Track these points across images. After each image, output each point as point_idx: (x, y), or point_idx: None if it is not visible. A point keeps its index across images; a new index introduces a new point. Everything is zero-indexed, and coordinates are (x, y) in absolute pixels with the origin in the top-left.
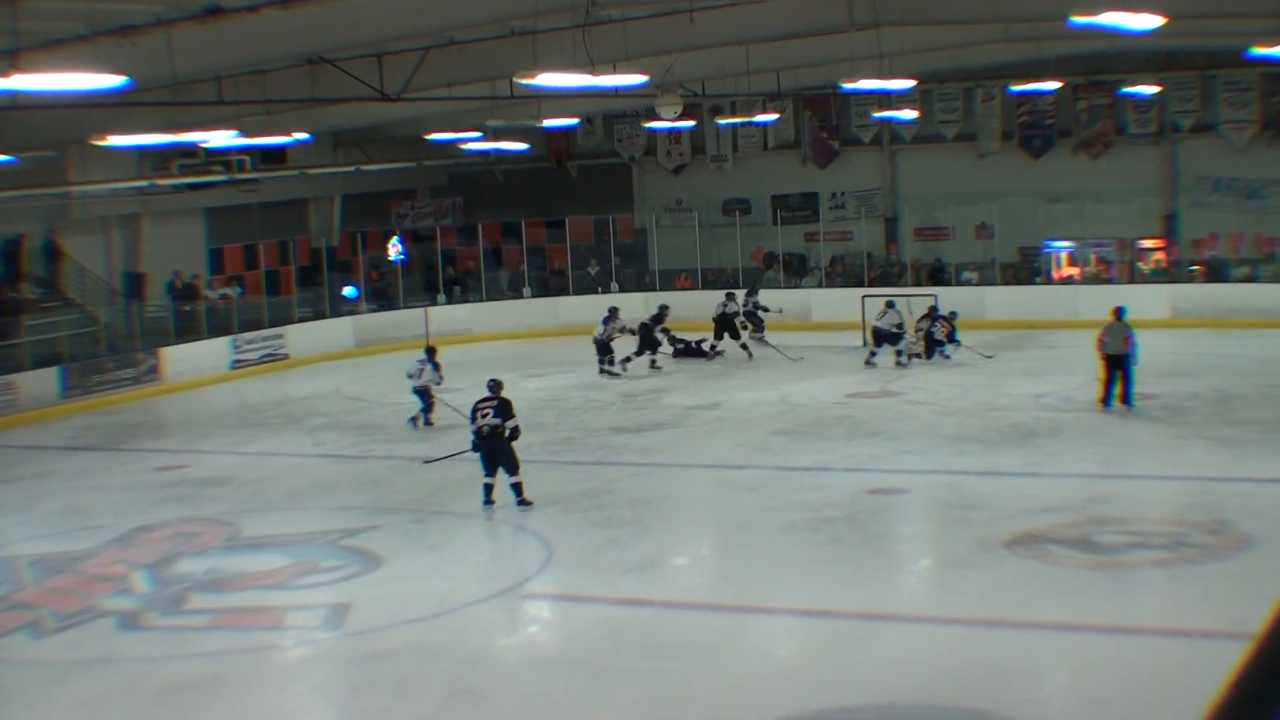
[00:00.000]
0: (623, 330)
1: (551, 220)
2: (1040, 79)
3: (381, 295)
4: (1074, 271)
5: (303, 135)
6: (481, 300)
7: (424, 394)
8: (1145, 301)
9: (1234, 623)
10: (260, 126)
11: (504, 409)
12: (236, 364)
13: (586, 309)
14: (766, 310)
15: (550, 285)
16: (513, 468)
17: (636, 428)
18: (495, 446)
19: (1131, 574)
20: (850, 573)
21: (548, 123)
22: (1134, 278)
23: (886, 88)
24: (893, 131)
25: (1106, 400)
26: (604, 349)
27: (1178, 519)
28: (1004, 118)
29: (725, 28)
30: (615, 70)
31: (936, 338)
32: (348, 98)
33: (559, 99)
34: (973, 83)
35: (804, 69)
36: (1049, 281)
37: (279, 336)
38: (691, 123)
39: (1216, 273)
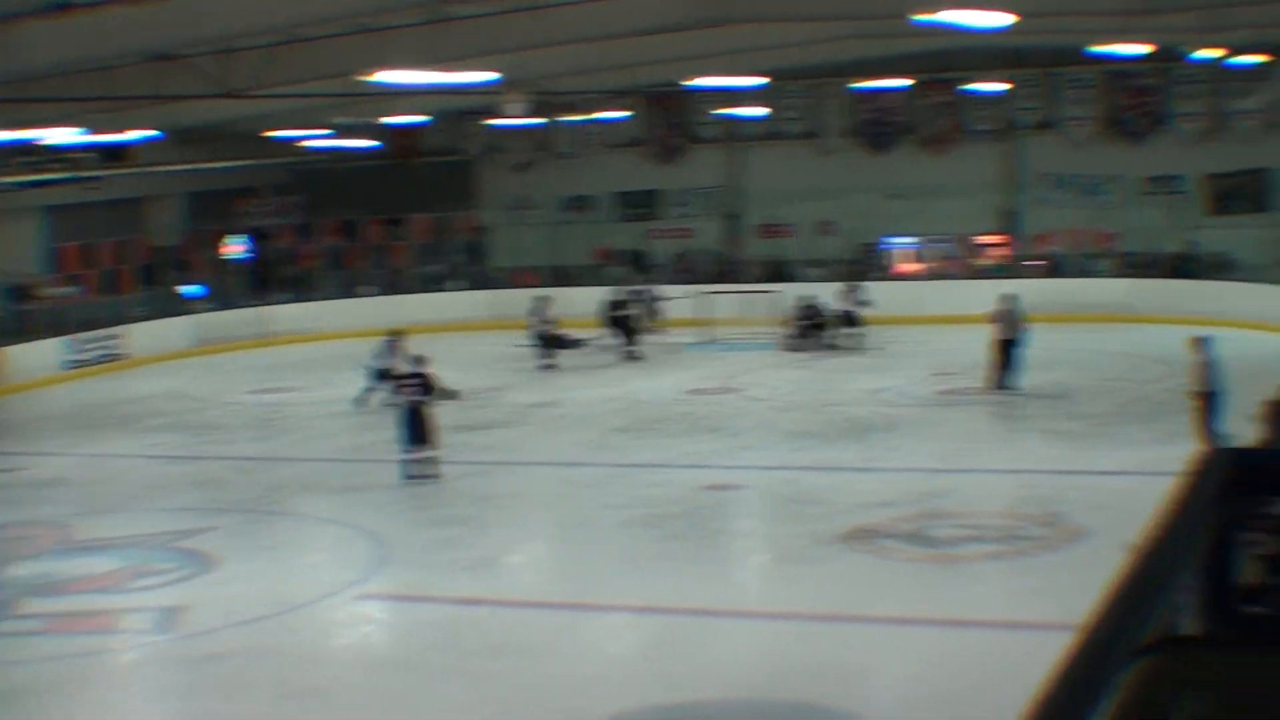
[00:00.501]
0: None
1: (393, 218)
2: (886, 76)
3: (223, 294)
4: (915, 267)
5: (147, 132)
6: (324, 299)
7: (382, 376)
8: (986, 297)
9: (1068, 614)
10: (104, 123)
11: (427, 385)
12: (74, 364)
13: (426, 306)
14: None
15: (391, 283)
16: (434, 441)
17: (477, 425)
18: (419, 420)
19: (966, 567)
20: (688, 569)
21: (394, 120)
22: (974, 273)
23: (733, 85)
24: (737, 129)
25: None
26: (550, 341)
27: (1013, 512)
28: (849, 115)
29: (573, 25)
30: (463, 67)
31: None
32: (192, 95)
33: (405, 96)
34: (818, 80)
35: (652, 66)
36: (888, 278)
37: (117, 336)
38: (538, 119)
39: (1057, 268)
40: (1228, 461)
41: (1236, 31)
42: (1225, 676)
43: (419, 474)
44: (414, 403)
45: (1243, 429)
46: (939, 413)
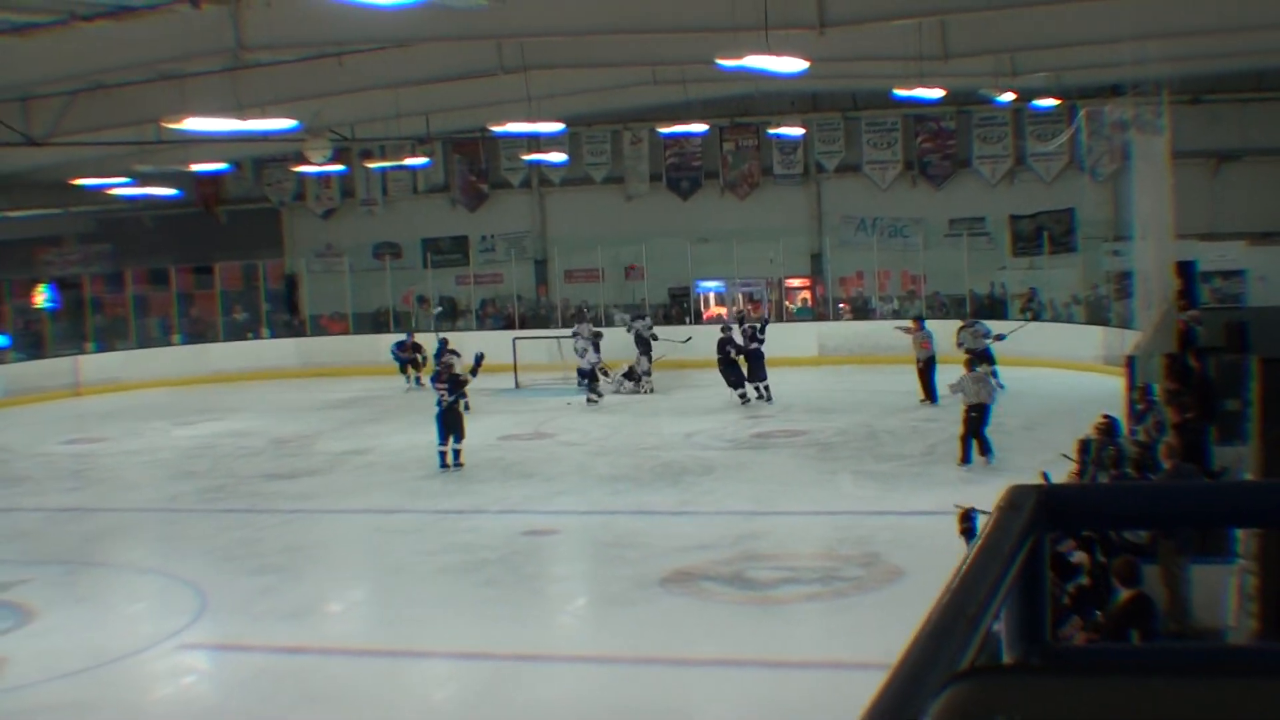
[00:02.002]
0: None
1: (200, 266)
2: (687, 121)
3: (30, 344)
4: (722, 311)
5: None
6: (132, 348)
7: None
8: (794, 340)
9: (886, 653)
10: None
11: (455, 385)
12: None
13: (236, 355)
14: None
15: (200, 332)
16: (460, 435)
17: (288, 474)
18: (450, 418)
19: (785, 608)
20: (506, 613)
21: (197, 168)
22: (783, 315)
23: (535, 131)
24: (542, 174)
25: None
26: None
27: (829, 553)
28: (652, 160)
29: (374, 71)
30: (265, 114)
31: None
32: None
33: (208, 143)
34: (621, 125)
35: (453, 112)
36: (699, 321)
37: None
38: (342, 166)
39: (862, 310)
40: (1037, 498)
41: (1031, 76)
42: (1035, 702)
43: (451, 464)
44: (447, 402)
45: (1056, 466)
46: (752, 455)
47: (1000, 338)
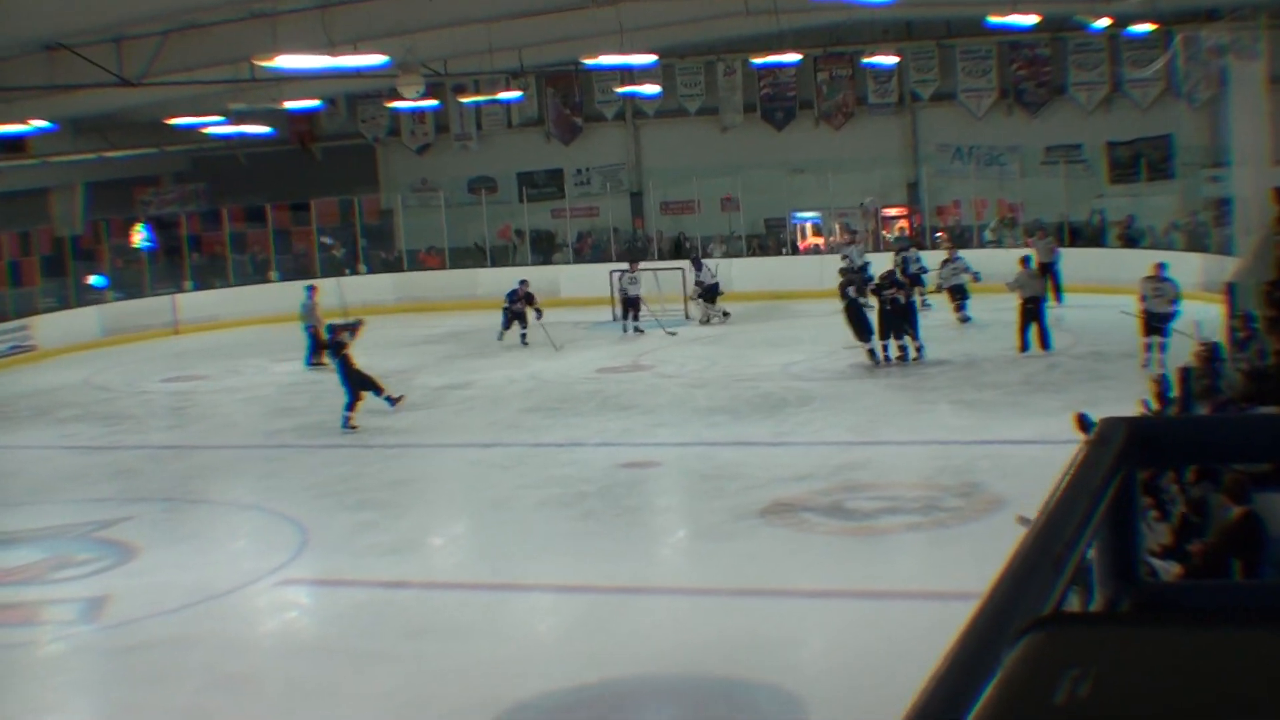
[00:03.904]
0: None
1: (296, 203)
2: (780, 51)
3: (129, 284)
4: (819, 241)
5: (43, 123)
6: (229, 286)
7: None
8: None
9: (987, 584)
10: None
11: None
12: None
13: (332, 291)
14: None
15: (298, 269)
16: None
17: (387, 409)
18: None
19: (885, 539)
20: (607, 546)
21: (290, 105)
22: (879, 245)
23: (628, 63)
24: (636, 107)
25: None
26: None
27: (929, 483)
28: (746, 90)
29: (465, 6)
30: (356, 50)
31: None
32: (87, 84)
33: (301, 81)
34: (714, 56)
35: (546, 46)
36: (795, 252)
37: (24, 328)
38: (435, 102)
39: (960, 239)
40: (1127, 431)
41: (1127, 0)
42: (1113, 651)
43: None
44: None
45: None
46: (849, 385)
47: (976, 277)
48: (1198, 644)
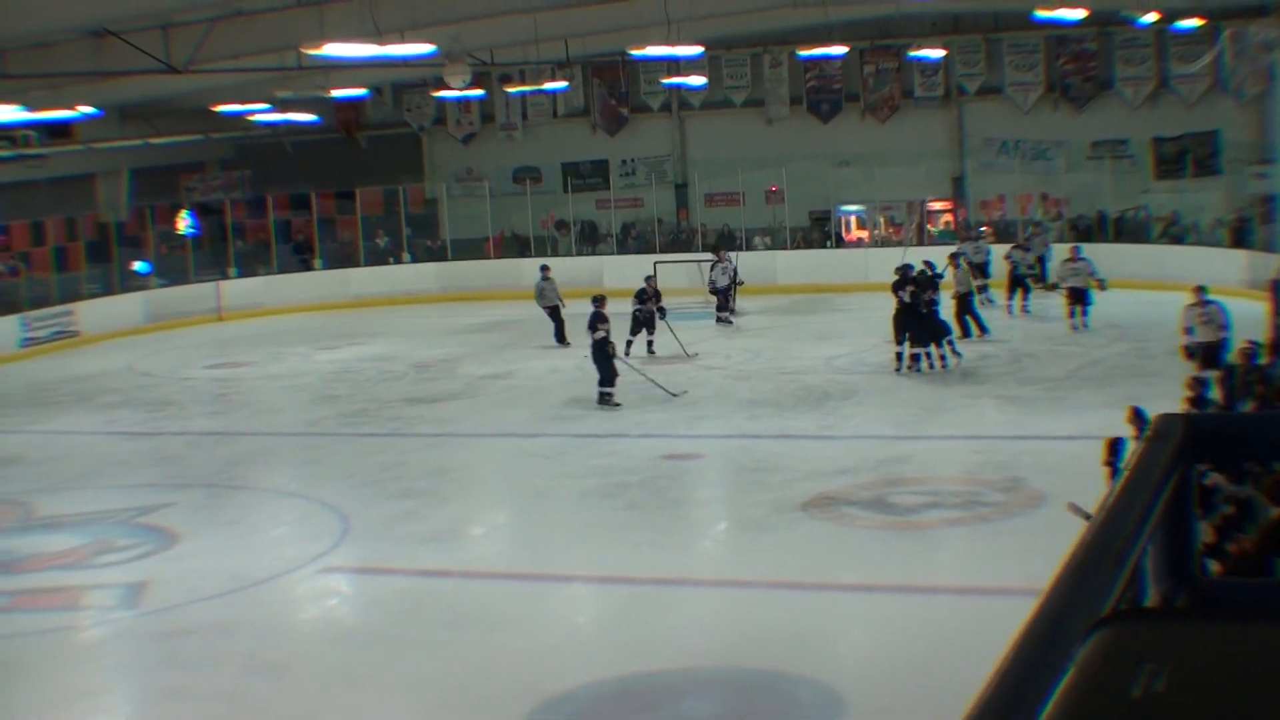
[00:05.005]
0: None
1: (341, 191)
2: (827, 44)
3: (173, 269)
4: (864, 234)
5: (89, 109)
6: (273, 273)
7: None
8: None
9: (1029, 579)
10: (45, 100)
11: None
12: (27, 342)
13: (377, 280)
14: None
15: (342, 256)
16: None
17: (430, 398)
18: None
19: (927, 534)
20: (647, 538)
21: (336, 93)
22: (923, 239)
23: (675, 54)
24: (682, 98)
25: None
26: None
27: (971, 478)
28: (792, 83)
29: None
30: (403, 39)
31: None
32: (133, 70)
33: (347, 69)
34: (760, 48)
35: (592, 36)
36: (840, 245)
37: (69, 313)
38: (481, 91)
39: (1005, 233)
40: (1185, 427)
41: None
42: (1182, 647)
43: None
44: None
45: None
46: (893, 379)
47: (1102, 284)
48: (1260, 640)
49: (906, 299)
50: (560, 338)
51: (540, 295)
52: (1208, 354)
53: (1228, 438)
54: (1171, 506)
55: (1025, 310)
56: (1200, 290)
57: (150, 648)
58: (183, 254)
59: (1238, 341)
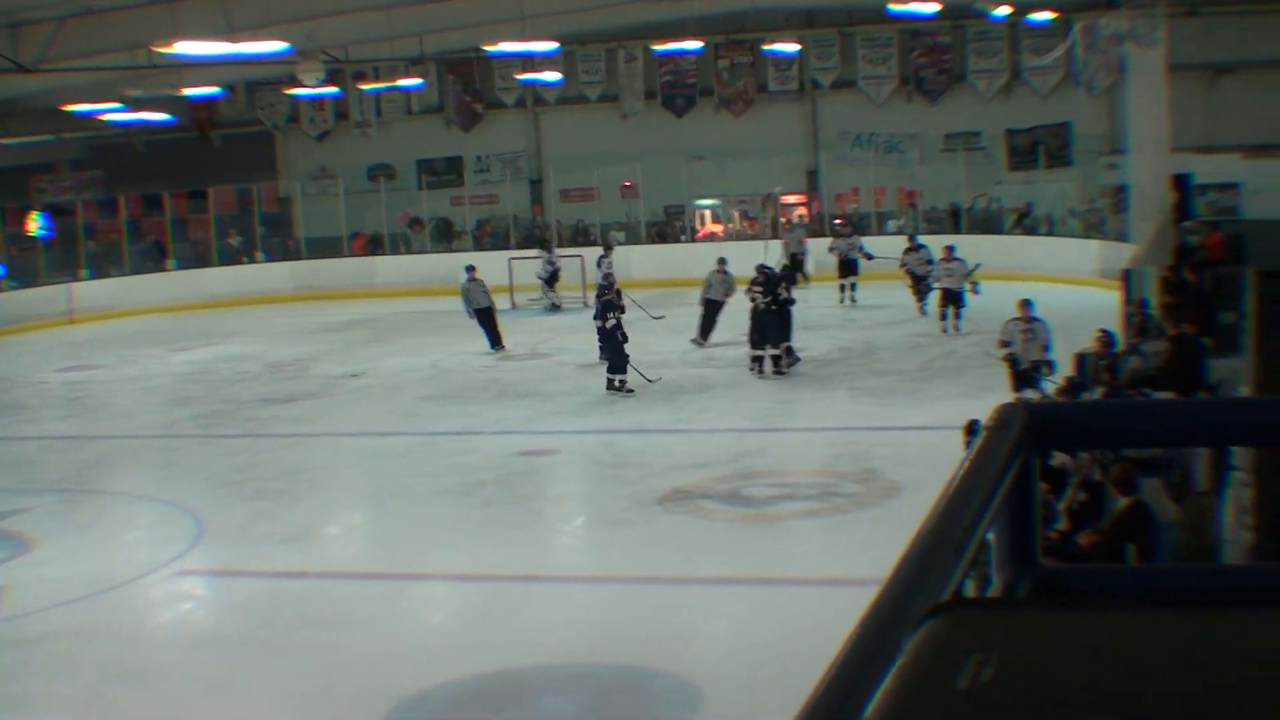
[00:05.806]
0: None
1: (194, 191)
2: (682, 38)
3: (24, 272)
4: (718, 228)
5: None
6: (125, 274)
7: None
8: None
9: (885, 569)
10: None
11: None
12: None
13: (231, 280)
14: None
15: (195, 257)
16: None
17: (284, 398)
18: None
19: (783, 525)
20: (505, 535)
21: (189, 92)
22: (778, 232)
23: (529, 50)
24: (536, 94)
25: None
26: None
27: (827, 470)
28: (647, 78)
29: None
30: (256, 37)
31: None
32: None
33: (200, 67)
34: (615, 43)
35: (447, 32)
36: (694, 239)
37: None
38: (335, 89)
39: (858, 226)
40: (1026, 417)
41: None
42: (1014, 636)
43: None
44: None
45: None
46: (748, 373)
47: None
48: (1097, 627)
49: (766, 302)
50: (495, 342)
51: (467, 298)
52: (1024, 372)
53: (1070, 426)
54: (1013, 495)
55: (854, 301)
56: (1027, 304)
57: (6, 655)
58: (34, 256)
59: (1084, 345)
